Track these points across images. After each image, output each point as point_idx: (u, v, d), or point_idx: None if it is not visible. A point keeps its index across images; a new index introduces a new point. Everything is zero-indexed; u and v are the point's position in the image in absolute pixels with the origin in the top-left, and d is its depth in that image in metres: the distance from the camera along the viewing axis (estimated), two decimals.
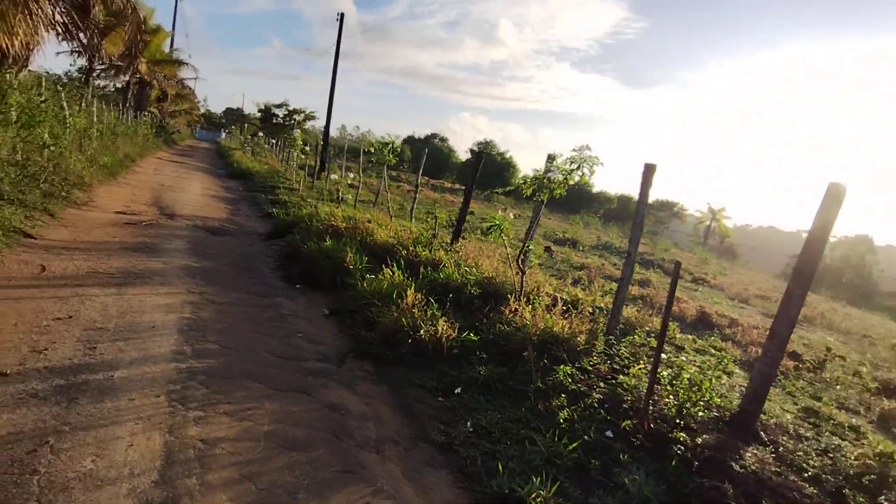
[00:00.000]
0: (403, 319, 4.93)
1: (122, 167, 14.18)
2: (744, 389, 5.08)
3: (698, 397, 3.85)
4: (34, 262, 5.42)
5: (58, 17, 10.56)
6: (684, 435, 3.61)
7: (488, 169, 63.50)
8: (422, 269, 6.63)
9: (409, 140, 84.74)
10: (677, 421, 3.78)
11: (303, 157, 18.42)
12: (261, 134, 32.80)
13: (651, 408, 3.88)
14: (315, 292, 6.67)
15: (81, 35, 20.84)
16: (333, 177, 11.33)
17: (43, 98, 9.03)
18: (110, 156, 14.19)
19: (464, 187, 54.94)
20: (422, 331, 4.82)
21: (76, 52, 23.79)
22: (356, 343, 5.04)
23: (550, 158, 6.56)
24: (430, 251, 7.83)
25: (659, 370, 3.96)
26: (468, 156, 69.65)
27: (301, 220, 9.91)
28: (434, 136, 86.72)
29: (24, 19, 7.83)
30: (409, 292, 5.31)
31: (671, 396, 3.97)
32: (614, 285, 10.59)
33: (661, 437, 3.63)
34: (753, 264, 42.60)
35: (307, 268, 7.21)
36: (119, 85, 32.22)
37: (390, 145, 9.67)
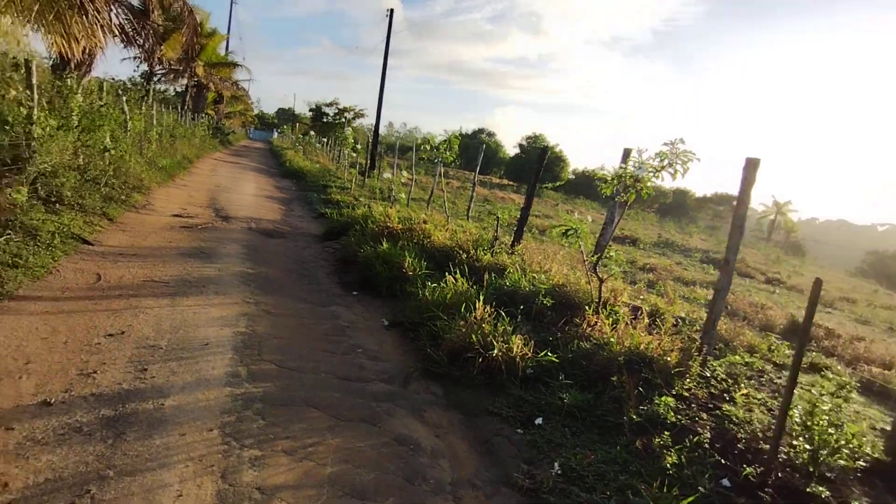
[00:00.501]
0: (473, 336, 4.45)
1: (179, 169, 14.38)
2: (874, 423, 4.33)
3: (840, 442, 3.18)
4: (90, 270, 5.26)
5: (116, 19, 10.64)
6: (825, 490, 2.97)
7: (536, 162, 62.00)
8: (486, 276, 6.14)
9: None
10: (811, 470, 3.14)
11: (353, 155, 18.28)
12: (312, 133, 33.05)
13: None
14: (373, 300, 6.30)
15: (141, 40, 21.47)
16: (386, 175, 11.00)
17: (103, 102, 9.08)
18: (169, 158, 14.40)
19: (512, 183, 53.05)
20: (494, 349, 4.33)
21: (137, 58, 24.67)
22: (421, 360, 4.61)
23: (627, 154, 5.92)
24: (492, 255, 7.33)
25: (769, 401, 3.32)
26: (516, 150, 68.44)
27: (355, 221, 9.62)
28: (481, 130, 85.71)
29: (81, 21, 7.82)
30: (477, 304, 4.83)
31: (801, 438, 3.31)
32: (689, 290, 9.77)
33: (795, 492, 3.00)
34: (823, 261, 39.75)
35: (364, 273, 6.87)
36: (178, 88, 33.30)
37: (448, 142, 9.20)
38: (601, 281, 5.40)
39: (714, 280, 11.91)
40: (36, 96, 6.91)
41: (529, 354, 4.39)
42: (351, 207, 12.15)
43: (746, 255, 24.10)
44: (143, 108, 13.61)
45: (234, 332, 4.39)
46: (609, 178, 5.06)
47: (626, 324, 5.16)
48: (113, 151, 9.25)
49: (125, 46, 21.43)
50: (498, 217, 7.64)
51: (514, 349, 4.35)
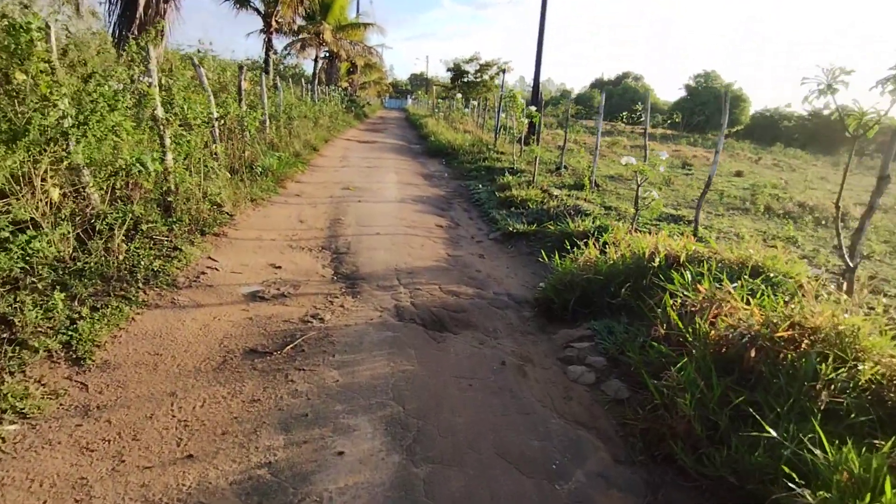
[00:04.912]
0: None
1: (295, 165, 10.30)
2: None
3: None
4: None
5: None
6: None
7: (709, 106, 51.80)
8: None
9: (598, 83, 74.20)
10: None
11: (524, 122, 13.04)
12: (459, 96, 28.26)
13: None
14: None
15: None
16: (629, 159, 5.78)
17: (119, 83, 4.82)
18: (282, 150, 10.42)
19: (672, 132, 42.45)
20: None
21: (263, 31, 21.57)
22: None
23: None
24: None
25: None
26: (681, 93, 57.58)
27: (607, 275, 4.53)
28: (626, 75, 74.74)
29: None
30: None
31: None
32: None
33: None
34: None
35: None
36: (310, 60, 30.41)
37: None
38: None
39: None
40: None
41: None
42: (555, 218, 7.10)
43: None
44: (246, 83, 9.62)
45: None
46: None
47: None
48: (157, 167, 5.06)
49: (238, 9, 18.15)
50: None
51: None
